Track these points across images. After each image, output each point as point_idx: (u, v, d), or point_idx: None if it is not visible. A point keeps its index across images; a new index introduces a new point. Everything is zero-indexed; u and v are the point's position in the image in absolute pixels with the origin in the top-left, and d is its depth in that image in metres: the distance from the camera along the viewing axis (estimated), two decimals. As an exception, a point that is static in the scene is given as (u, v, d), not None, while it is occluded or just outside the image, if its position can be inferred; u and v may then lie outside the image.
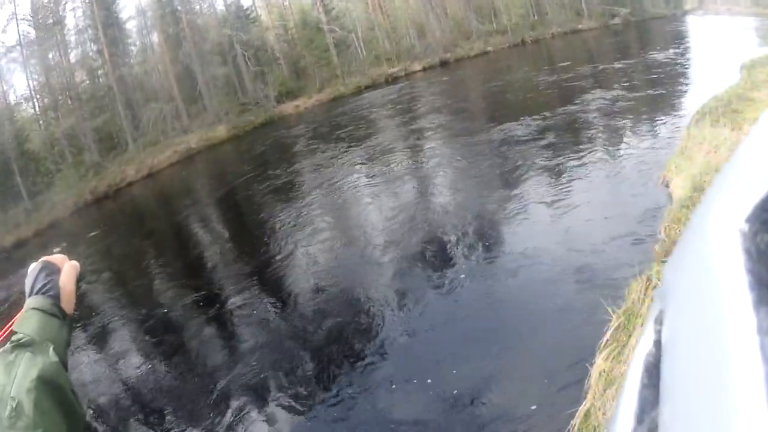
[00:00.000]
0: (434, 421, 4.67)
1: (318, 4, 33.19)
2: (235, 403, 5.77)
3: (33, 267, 1.15)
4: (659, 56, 18.81)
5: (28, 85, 36.05)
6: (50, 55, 35.08)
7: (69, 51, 35.11)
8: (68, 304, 1.11)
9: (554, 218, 7.82)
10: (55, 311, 1.07)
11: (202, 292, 9.02)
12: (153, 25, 33.95)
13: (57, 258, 1.17)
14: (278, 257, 9.31)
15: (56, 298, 1.09)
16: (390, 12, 34.49)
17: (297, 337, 6.71)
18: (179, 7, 32.69)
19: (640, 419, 0.95)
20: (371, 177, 12.57)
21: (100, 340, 8.58)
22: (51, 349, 0.99)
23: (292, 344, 6.57)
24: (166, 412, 6.11)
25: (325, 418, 5.20)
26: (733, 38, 18.57)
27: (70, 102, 33.18)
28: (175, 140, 28.64)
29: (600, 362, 4.30)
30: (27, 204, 32.61)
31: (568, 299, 5.72)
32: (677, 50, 19.65)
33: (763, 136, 1.09)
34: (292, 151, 19.01)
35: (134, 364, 7.43)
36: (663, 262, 4.99)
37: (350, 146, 16.42)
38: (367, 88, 29.19)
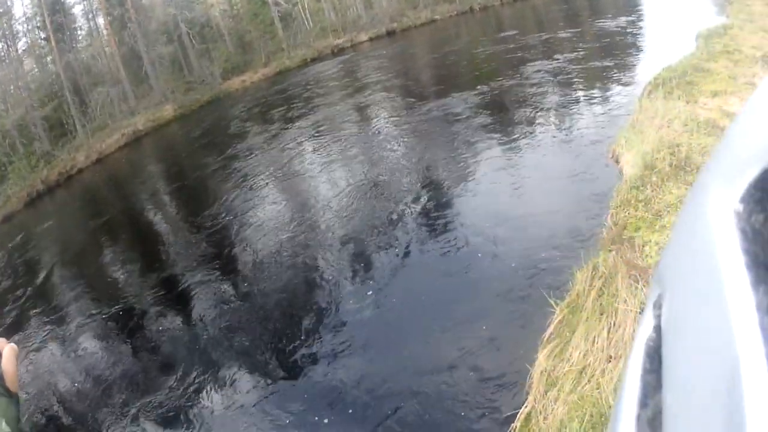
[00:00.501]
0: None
1: (262, -23, 32.85)
2: (195, 382, 5.94)
3: None
4: (611, 24, 18.54)
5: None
6: (-1, 45, 34.48)
7: (17, 40, 34.52)
8: (12, 383, 1.15)
9: (499, 198, 7.59)
10: (1, 391, 1.12)
11: (158, 275, 9.25)
12: (98, 9, 33.41)
13: None
14: (229, 236, 9.57)
15: (1, 379, 1.14)
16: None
17: (254, 314, 6.90)
18: (124, -12, 32.18)
19: (643, 404, 0.94)
20: (317, 152, 12.74)
21: (62, 329, 8.80)
22: (3, 423, 1.06)
23: (249, 321, 6.75)
24: (127, 397, 6.24)
25: (284, 389, 5.35)
26: (690, 7, 18.15)
27: (19, 92, 32.69)
28: (123, 123, 28.43)
29: (542, 360, 4.14)
30: (-24, 199, 32.28)
31: (510, 288, 5.48)
32: (630, 18, 19.14)
33: (755, 114, 1.05)
34: (238, 129, 19.08)
35: (93, 352, 7.63)
36: (609, 250, 4.82)
37: (294, 122, 16.59)
38: (313, 60, 29.11)
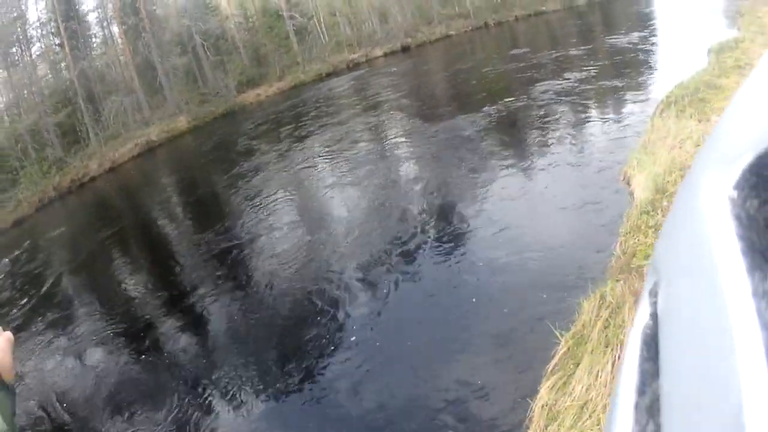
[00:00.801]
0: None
1: (277, -10, 33.08)
2: (203, 393, 5.90)
3: None
4: (623, 40, 18.42)
5: (-8, 81, 35.81)
6: (13, 50, 34.85)
7: (31, 45, 34.91)
8: (7, 374, 1.12)
9: (507, 225, 7.39)
10: None
11: (165, 287, 9.25)
12: (112, 17, 33.74)
13: None
14: (236, 253, 9.48)
15: None
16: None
17: (263, 325, 6.86)
18: (139, -2, 32.51)
19: (641, 391, 0.94)
20: (327, 173, 12.64)
21: (65, 335, 8.79)
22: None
23: (259, 332, 6.72)
24: (133, 404, 6.21)
25: (294, 402, 5.34)
26: (701, 20, 17.90)
27: (33, 97, 32.98)
28: (137, 133, 28.58)
29: (543, 393, 4.02)
30: (-12, 202, 32.51)
31: (515, 318, 5.35)
32: (642, 33, 19.03)
33: (749, 100, 1.08)
34: (251, 144, 19.10)
35: (100, 359, 7.59)
36: (617, 280, 4.70)
37: (310, 137, 16.58)
38: (328, 75, 29.22)
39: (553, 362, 4.23)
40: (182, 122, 28.27)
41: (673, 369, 0.79)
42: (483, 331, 5.41)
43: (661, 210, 5.72)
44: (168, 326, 7.81)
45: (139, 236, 13.93)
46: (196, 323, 7.65)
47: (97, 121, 30.48)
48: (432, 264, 7.02)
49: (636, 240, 5.40)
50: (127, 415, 6.06)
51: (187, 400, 5.91)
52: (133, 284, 10.18)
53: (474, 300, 5.98)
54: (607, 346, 4.06)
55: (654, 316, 0.99)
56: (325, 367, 5.68)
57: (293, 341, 6.26)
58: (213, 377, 6.12)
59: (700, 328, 0.74)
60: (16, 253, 16.49)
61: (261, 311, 7.24)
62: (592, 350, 4.08)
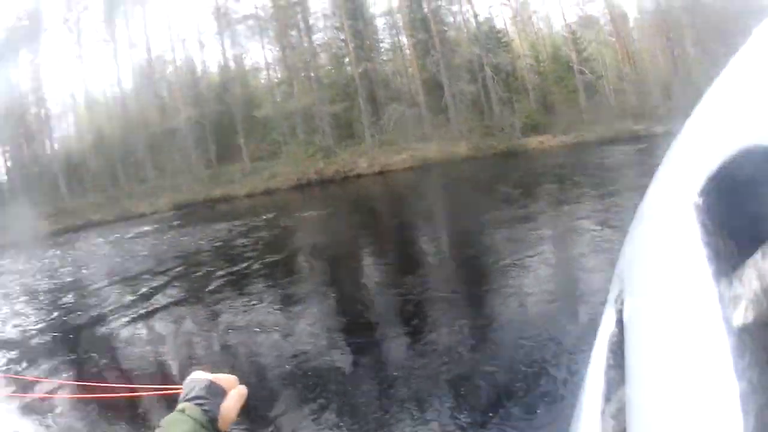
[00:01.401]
0: None
1: (569, 41, 32.81)
2: None
3: (197, 379, 1.08)
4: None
5: (264, 56, 38.41)
6: (292, 33, 37.20)
7: (312, 33, 37.07)
8: (226, 426, 1.06)
9: None
10: (209, 428, 1.02)
11: (406, 299, 7.95)
12: (402, 28, 35.04)
13: (225, 380, 1.09)
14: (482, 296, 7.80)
15: (214, 421, 1.03)
16: (638, 64, 33.51)
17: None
18: (429, 15, 33.48)
19: (607, 398, 0.93)
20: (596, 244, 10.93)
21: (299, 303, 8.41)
22: None
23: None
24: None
25: None
26: None
27: (309, 82, 34.87)
28: (413, 145, 29.28)
29: None
30: (246, 165, 34.85)
31: None
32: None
33: (712, 108, 1.03)
34: (537, 188, 18.28)
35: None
36: None
37: (582, 202, 14.90)
38: (611, 141, 28.40)
39: None
40: (462, 147, 28.49)
41: (639, 376, 0.77)
42: None
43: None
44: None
45: (395, 239, 13.29)
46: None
47: (375, 124, 31.62)
48: None
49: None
50: None
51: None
52: (372, 286, 9.36)
53: None
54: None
55: (619, 324, 0.99)
56: None
57: None
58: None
59: (667, 335, 0.72)
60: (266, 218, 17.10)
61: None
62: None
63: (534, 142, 28.24)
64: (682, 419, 0.61)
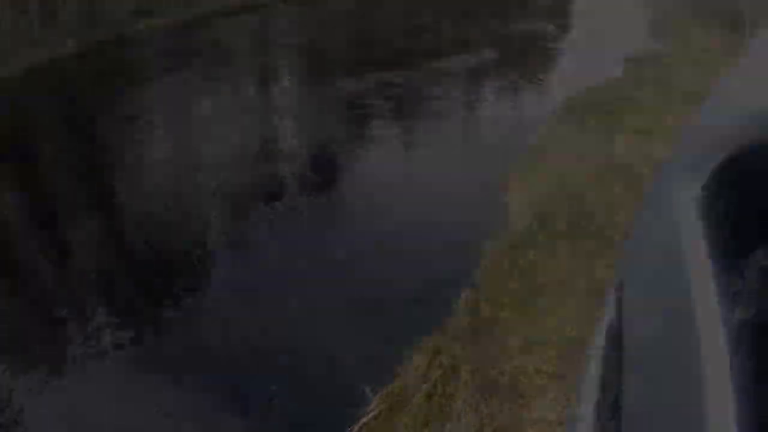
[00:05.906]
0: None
1: None
2: None
3: None
4: (533, 28, 13.51)
5: None
6: None
7: None
8: None
9: (351, 233, 5.68)
10: None
11: None
12: None
13: None
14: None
15: None
16: None
17: None
18: None
19: (604, 387, 0.95)
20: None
21: None
22: None
23: None
24: None
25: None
26: (626, 25, 13.31)
27: None
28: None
29: None
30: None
31: (325, 364, 3.90)
32: (559, 22, 14.63)
33: (718, 103, 1.07)
34: None
35: None
36: (455, 339, 3.68)
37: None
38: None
39: (354, 429, 3.19)
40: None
41: (637, 367, 0.80)
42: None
43: (536, 248, 4.63)
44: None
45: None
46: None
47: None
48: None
49: (497, 282, 4.26)
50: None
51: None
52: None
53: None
54: (426, 425, 3.17)
55: (619, 314, 1.01)
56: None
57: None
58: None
59: (666, 329, 0.75)
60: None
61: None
62: (408, 425, 3.17)
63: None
64: (680, 414, 0.61)
